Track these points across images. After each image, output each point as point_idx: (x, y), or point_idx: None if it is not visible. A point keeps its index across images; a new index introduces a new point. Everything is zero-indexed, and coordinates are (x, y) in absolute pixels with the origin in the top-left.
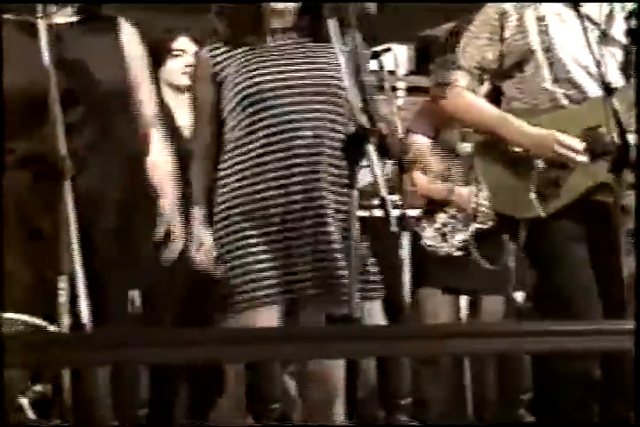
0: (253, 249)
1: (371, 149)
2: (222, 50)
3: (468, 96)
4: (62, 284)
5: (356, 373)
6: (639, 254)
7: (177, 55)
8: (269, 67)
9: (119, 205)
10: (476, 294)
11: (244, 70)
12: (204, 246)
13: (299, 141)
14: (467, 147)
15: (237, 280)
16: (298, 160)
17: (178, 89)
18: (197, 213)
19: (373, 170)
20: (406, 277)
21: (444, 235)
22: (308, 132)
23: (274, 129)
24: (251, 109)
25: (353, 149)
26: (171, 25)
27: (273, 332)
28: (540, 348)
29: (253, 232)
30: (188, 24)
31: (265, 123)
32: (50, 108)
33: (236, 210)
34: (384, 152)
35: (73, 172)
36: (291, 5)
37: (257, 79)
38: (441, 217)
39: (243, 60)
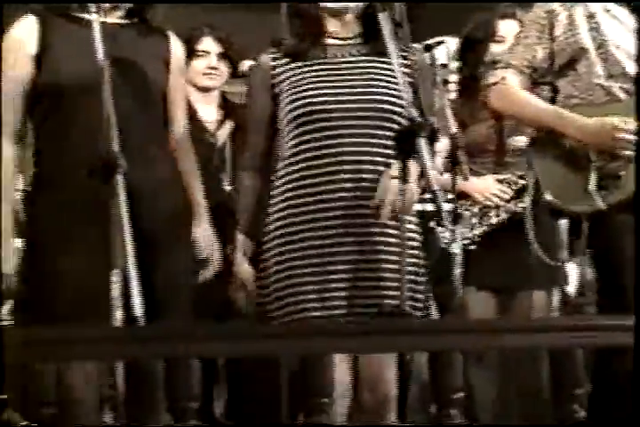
0: (297, 271)
1: (422, 143)
2: (283, 61)
3: (521, 93)
4: (115, 278)
5: (407, 372)
6: (639, 254)
7: (200, 55)
8: (323, 85)
9: (168, 199)
10: (513, 290)
11: (300, 87)
12: (246, 284)
13: (345, 166)
14: (520, 141)
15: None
16: (344, 185)
17: (201, 89)
18: (241, 243)
19: (424, 164)
20: (457, 271)
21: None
22: (356, 157)
23: (321, 152)
24: (301, 129)
25: (404, 143)
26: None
27: (328, 326)
28: (594, 342)
29: (297, 262)
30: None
31: (313, 144)
32: (103, 103)
33: (281, 231)
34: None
35: (125, 167)
36: (349, 17)
37: (309, 100)
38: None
39: (300, 75)
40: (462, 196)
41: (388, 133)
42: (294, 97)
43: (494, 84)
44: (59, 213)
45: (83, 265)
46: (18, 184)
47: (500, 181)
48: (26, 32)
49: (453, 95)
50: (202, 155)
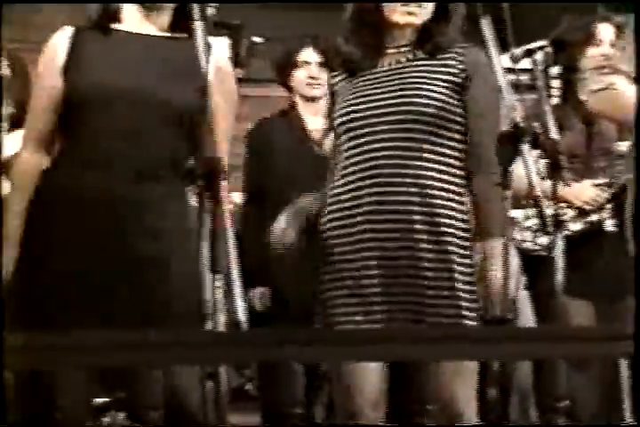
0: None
1: (525, 148)
2: (339, 77)
3: (631, 99)
4: (218, 282)
5: (507, 377)
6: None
7: (301, 66)
8: (366, 93)
9: None
10: (611, 297)
11: (347, 100)
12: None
13: (384, 170)
14: (623, 146)
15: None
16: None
17: (306, 99)
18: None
19: (528, 169)
20: (559, 278)
21: (534, 233)
22: (397, 161)
23: (362, 165)
24: (350, 142)
25: (507, 148)
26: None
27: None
28: None
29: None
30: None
31: (356, 158)
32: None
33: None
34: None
35: (228, 173)
36: (417, 20)
37: (351, 108)
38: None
39: (349, 87)
40: (558, 200)
41: (436, 140)
42: (341, 111)
43: (602, 89)
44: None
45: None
46: None
47: (596, 186)
48: (58, 43)
49: (556, 100)
50: (309, 165)
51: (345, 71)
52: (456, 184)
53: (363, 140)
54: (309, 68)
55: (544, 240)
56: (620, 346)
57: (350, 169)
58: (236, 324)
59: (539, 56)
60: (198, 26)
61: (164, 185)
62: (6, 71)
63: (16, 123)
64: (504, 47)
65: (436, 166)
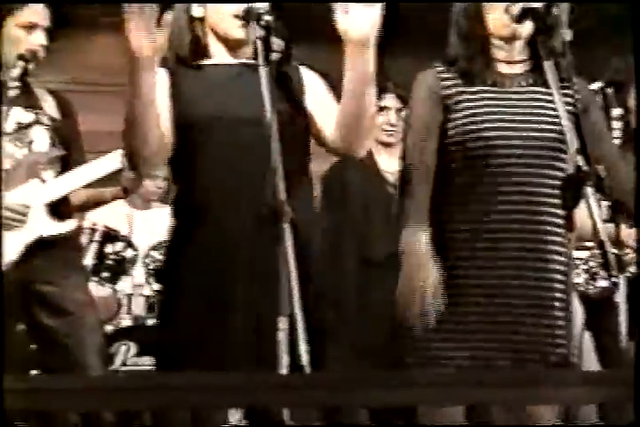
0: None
1: (589, 191)
2: (455, 82)
3: None
4: (282, 325)
5: None
6: None
7: (381, 111)
8: (492, 116)
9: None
10: None
11: (470, 111)
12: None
13: (516, 206)
14: None
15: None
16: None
17: (383, 144)
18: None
19: (592, 212)
20: (622, 319)
21: (593, 275)
22: (526, 198)
23: (495, 187)
24: (472, 162)
25: (571, 191)
26: None
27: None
28: None
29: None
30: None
31: (484, 179)
32: (271, 154)
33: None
34: (602, 194)
35: (292, 215)
36: (518, 43)
37: (484, 133)
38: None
39: (471, 98)
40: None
41: (553, 173)
42: (469, 127)
43: None
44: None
45: (239, 310)
46: None
47: None
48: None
49: (618, 142)
50: (383, 205)
51: (455, 75)
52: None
53: (497, 162)
54: (389, 113)
55: (604, 283)
56: None
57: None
58: (300, 367)
59: (599, 98)
60: (264, 70)
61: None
62: (55, 113)
63: (66, 164)
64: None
65: (553, 193)
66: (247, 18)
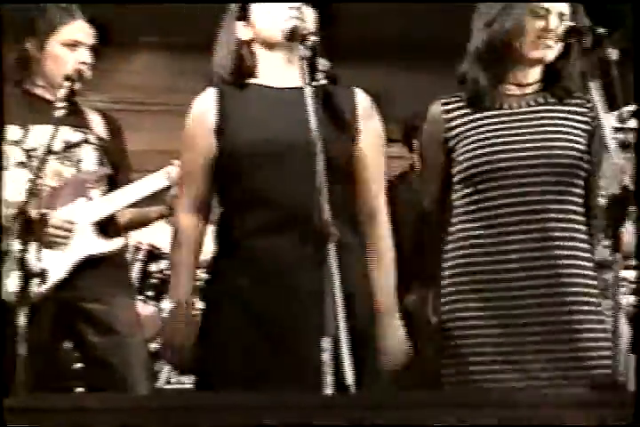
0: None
1: (634, 210)
2: (457, 112)
3: None
4: (326, 345)
5: None
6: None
7: None
8: (501, 139)
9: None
10: None
11: (476, 144)
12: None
13: (527, 226)
14: None
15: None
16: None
17: None
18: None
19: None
20: None
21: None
22: (539, 216)
23: (503, 210)
24: (478, 186)
25: (616, 211)
26: None
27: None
28: None
29: (479, 313)
30: None
31: (491, 203)
32: (316, 173)
33: (464, 287)
34: None
35: (337, 235)
36: (551, 56)
37: (486, 158)
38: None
39: (475, 129)
40: None
41: (570, 189)
42: (470, 154)
43: None
44: (246, 278)
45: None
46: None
47: None
48: (206, 105)
49: None
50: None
51: (466, 105)
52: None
53: (502, 183)
54: None
55: None
56: None
57: (484, 213)
58: (345, 387)
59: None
60: (309, 91)
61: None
62: (103, 132)
63: (113, 183)
64: (612, 106)
65: (570, 209)
66: (292, 38)
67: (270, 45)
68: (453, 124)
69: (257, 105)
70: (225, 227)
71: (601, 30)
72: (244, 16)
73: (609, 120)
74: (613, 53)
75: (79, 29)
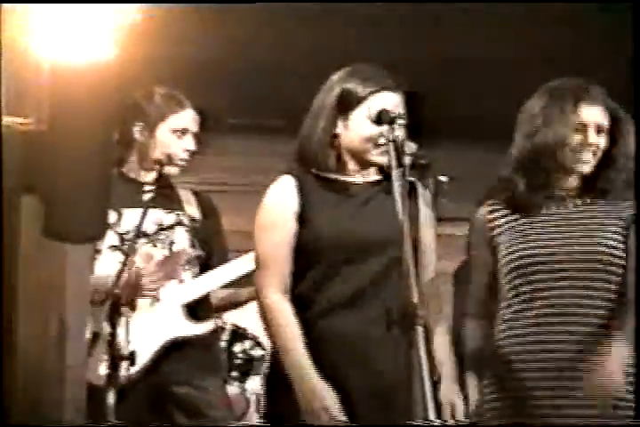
0: None
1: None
2: (502, 213)
3: None
4: None
5: None
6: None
7: None
8: (542, 239)
9: None
10: None
11: (518, 240)
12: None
13: (567, 318)
14: None
15: None
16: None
17: None
18: (470, 380)
19: None
20: None
21: None
22: (578, 311)
23: (545, 310)
24: (520, 281)
25: None
26: None
27: None
28: None
29: None
30: None
31: (537, 302)
32: (404, 259)
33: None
34: None
35: (425, 319)
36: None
37: (528, 251)
38: None
39: (520, 228)
40: None
41: (605, 285)
42: (514, 253)
43: None
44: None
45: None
46: None
47: None
48: (286, 190)
49: None
50: None
51: (508, 208)
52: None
53: (542, 285)
54: None
55: None
56: None
57: (525, 306)
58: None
59: None
60: (397, 173)
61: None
62: (197, 214)
63: (205, 265)
64: None
65: (603, 305)
66: (380, 120)
67: (357, 145)
68: (499, 222)
69: (337, 197)
70: (305, 303)
71: None
72: (344, 110)
73: None
74: None
75: (188, 118)
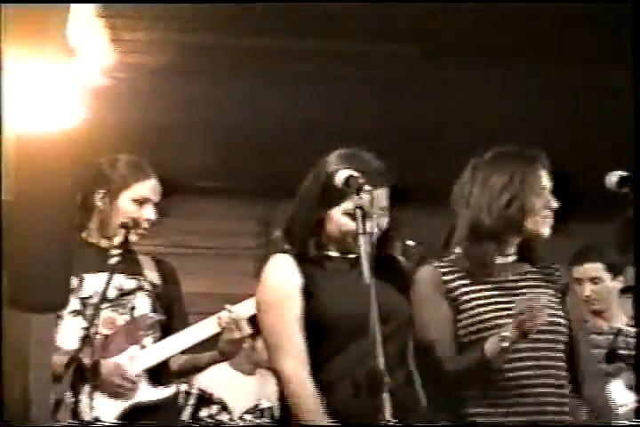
0: None
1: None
2: (457, 278)
3: None
4: None
5: None
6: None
7: None
8: (497, 307)
9: None
10: None
11: (477, 309)
12: None
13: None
14: None
15: None
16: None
17: None
18: None
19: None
20: None
21: None
22: (537, 380)
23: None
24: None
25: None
26: None
27: None
28: None
29: None
30: None
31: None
32: (370, 327)
33: None
34: None
35: (390, 384)
36: None
37: (485, 324)
38: None
39: (473, 293)
40: None
41: (558, 355)
42: (472, 320)
43: None
44: None
45: None
46: None
47: None
48: (287, 266)
49: None
50: None
51: (463, 274)
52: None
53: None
54: None
55: None
56: None
57: None
58: None
59: None
60: (364, 239)
61: None
62: (157, 279)
63: (166, 329)
64: None
65: (558, 374)
66: (348, 186)
67: (336, 223)
68: (453, 281)
69: (334, 274)
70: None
71: None
72: (327, 204)
73: None
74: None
75: (150, 188)
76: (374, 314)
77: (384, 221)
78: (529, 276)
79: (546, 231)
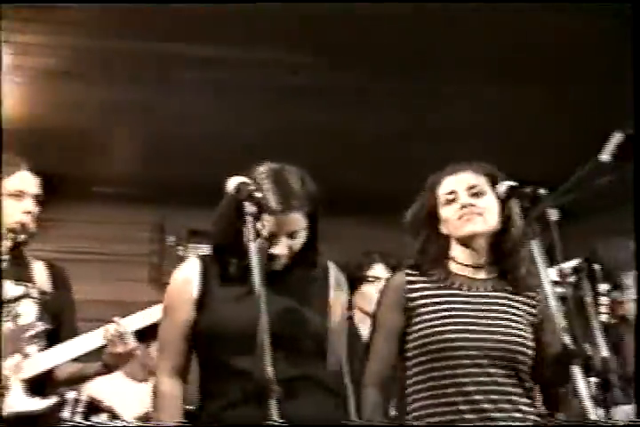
0: None
1: (576, 370)
2: (421, 285)
3: None
4: None
5: None
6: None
7: (371, 281)
8: (455, 320)
9: None
10: None
11: (434, 321)
12: None
13: (468, 406)
14: None
15: None
16: None
17: (368, 314)
18: None
19: (580, 393)
20: None
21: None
22: (481, 397)
23: (447, 387)
24: (430, 358)
25: (558, 371)
26: None
27: None
28: None
29: None
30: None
31: (440, 377)
32: (259, 341)
33: None
34: (590, 373)
35: (280, 395)
36: (479, 243)
37: (443, 336)
38: None
39: (434, 305)
40: None
41: (511, 373)
42: (428, 331)
43: None
44: None
45: None
46: None
47: None
48: (189, 275)
49: (605, 317)
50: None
51: (426, 280)
52: None
53: (453, 363)
54: (378, 283)
55: None
56: None
57: (433, 383)
58: None
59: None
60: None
61: None
62: (47, 286)
63: (54, 337)
64: (552, 263)
65: (508, 391)
66: (239, 193)
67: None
68: (417, 288)
69: (234, 283)
70: (204, 395)
71: (541, 191)
72: (249, 196)
73: (550, 278)
74: (553, 214)
75: (23, 180)
76: (264, 323)
77: (298, 242)
78: (500, 294)
79: (474, 230)
